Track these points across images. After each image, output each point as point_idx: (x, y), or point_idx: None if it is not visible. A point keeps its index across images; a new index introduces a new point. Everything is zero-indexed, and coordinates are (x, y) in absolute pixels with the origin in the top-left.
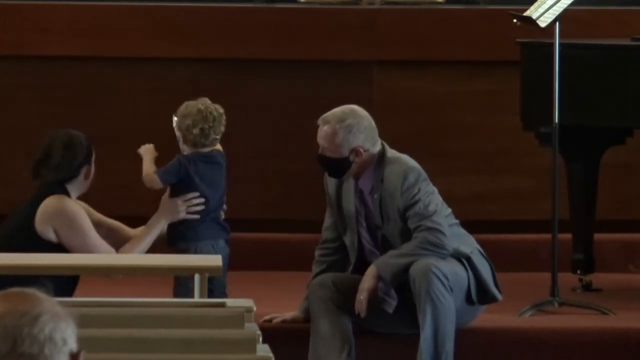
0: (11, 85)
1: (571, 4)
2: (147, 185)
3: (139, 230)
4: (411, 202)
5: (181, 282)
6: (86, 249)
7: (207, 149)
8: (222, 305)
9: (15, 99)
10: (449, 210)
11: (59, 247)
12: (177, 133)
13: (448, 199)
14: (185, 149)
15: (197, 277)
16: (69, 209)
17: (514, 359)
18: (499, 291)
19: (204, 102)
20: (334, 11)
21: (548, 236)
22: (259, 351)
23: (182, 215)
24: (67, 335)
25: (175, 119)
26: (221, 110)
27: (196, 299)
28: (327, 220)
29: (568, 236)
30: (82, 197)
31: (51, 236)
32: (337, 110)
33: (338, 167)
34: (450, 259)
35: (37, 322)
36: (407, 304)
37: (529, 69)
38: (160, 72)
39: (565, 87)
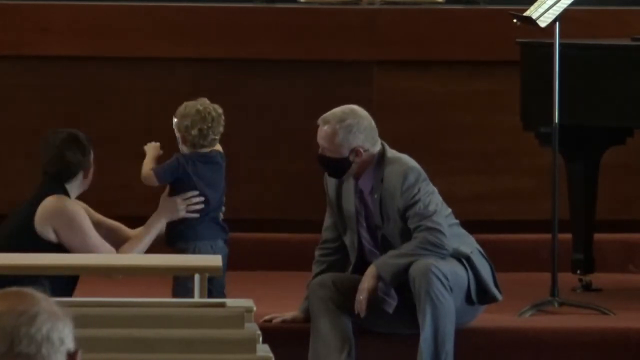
0: (11, 85)
1: (571, 4)
2: (143, 182)
3: (139, 230)
4: (411, 202)
5: (180, 282)
6: (86, 248)
7: (206, 150)
8: (222, 305)
9: (15, 99)
10: (449, 210)
11: (58, 247)
12: (177, 134)
13: (448, 199)
14: (185, 149)
15: (197, 277)
16: (69, 209)
17: (514, 359)
18: (499, 291)
19: (203, 103)
20: (334, 11)
21: (548, 236)
22: (259, 351)
23: (182, 214)
24: (65, 335)
25: (175, 119)
26: (220, 111)
27: (196, 299)
28: (327, 220)
29: (568, 236)
30: (82, 197)
31: (51, 236)
32: (337, 110)
33: (338, 167)
34: (450, 259)
35: (34, 322)
36: (407, 304)
37: (529, 69)
38: (160, 72)
39: (565, 87)
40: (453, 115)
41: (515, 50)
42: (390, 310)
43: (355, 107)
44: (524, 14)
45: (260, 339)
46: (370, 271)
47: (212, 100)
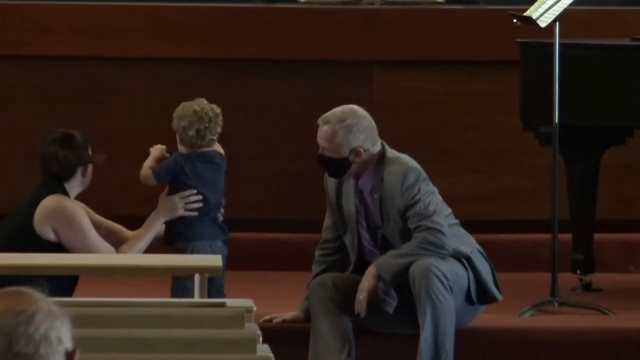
0: (11, 85)
1: (571, 4)
2: (142, 181)
3: (138, 231)
4: (411, 202)
5: (179, 282)
6: (86, 248)
7: (204, 149)
8: (222, 305)
9: (15, 99)
10: (449, 210)
11: (58, 247)
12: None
13: (448, 199)
14: (183, 150)
15: (197, 277)
16: (68, 208)
17: (514, 359)
18: (499, 291)
19: (200, 103)
20: (334, 11)
21: (548, 236)
22: (259, 351)
23: (180, 212)
24: (63, 334)
25: (173, 120)
26: (217, 111)
27: (196, 299)
28: (327, 220)
29: (568, 236)
30: (82, 197)
31: (50, 236)
32: (337, 110)
33: (338, 167)
34: (450, 259)
35: (32, 321)
36: (407, 304)
37: (529, 69)
38: (160, 72)
39: (565, 87)
40: (453, 115)
41: (515, 50)
42: (390, 310)
43: (355, 107)
44: (524, 14)
45: (260, 339)
46: (370, 271)
47: (213, 101)
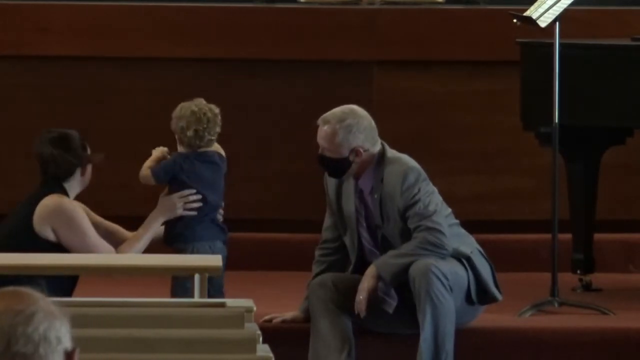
0: (11, 85)
1: (571, 4)
2: (141, 181)
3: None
4: (411, 202)
5: (179, 282)
6: (85, 247)
7: (203, 149)
8: (222, 305)
9: (15, 99)
10: (449, 210)
11: (57, 247)
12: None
13: (448, 199)
14: (182, 150)
15: (197, 277)
16: (68, 208)
17: (514, 359)
18: (499, 291)
19: (198, 104)
20: (334, 11)
21: (548, 236)
22: (259, 351)
23: (180, 212)
24: (62, 334)
25: (172, 120)
26: (216, 111)
27: (196, 299)
28: (327, 220)
29: (568, 236)
30: (82, 197)
31: (49, 235)
32: (337, 110)
33: (338, 167)
34: (450, 259)
35: (31, 321)
36: (407, 304)
37: (529, 69)
38: (160, 72)
39: (565, 87)
40: (453, 115)
41: (515, 50)
42: (390, 310)
43: (355, 107)
44: (524, 14)
45: (260, 339)
46: (370, 271)
47: (213, 101)
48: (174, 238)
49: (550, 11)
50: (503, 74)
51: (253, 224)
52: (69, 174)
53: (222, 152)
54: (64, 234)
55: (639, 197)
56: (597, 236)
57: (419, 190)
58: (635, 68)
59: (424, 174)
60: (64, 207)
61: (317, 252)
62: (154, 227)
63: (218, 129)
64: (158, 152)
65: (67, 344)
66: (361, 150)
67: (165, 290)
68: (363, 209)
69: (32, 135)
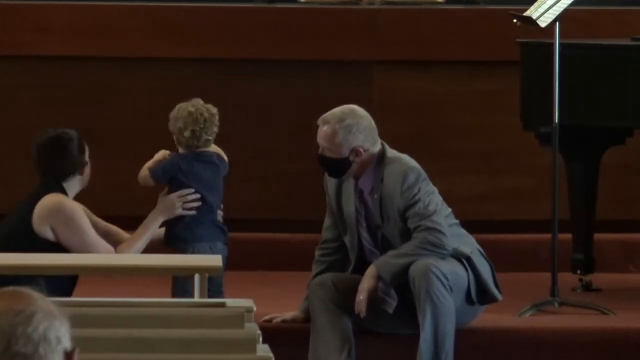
0: (11, 85)
1: (571, 4)
2: (140, 182)
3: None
4: (411, 202)
5: (179, 282)
6: (84, 247)
7: (201, 150)
8: (222, 305)
9: (15, 99)
10: (449, 210)
11: (57, 246)
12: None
13: (448, 199)
14: (181, 151)
15: (197, 277)
16: (67, 207)
17: (514, 359)
18: (499, 291)
19: (195, 104)
20: (334, 11)
21: (548, 236)
22: (259, 351)
23: (179, 212)
24: (61, 334)
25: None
26: (214, 111)
27: (196, 299)
28: (327, 220)
29: (568, 236)
30: (81, 197)
31: (49, 235)
32: (337, 110)
33: (338, 167)
34: (450, 259)
35: (31, 321)
36: (407, 304)
37: (529, 69)
38: (160, 72)
39: (565, 87)
40: (453, 115)
41: (515, 50)
42: (390, 310)
43: (355, 107)
44: (524, 14)
45: (260, 339)
46: (370, 271)
47: (213, 101)
48: (175, 239)
49: (550, 11)
50: (503, 74)
51: (253, 224)
52: (67, 174)
53: (223, 155)
54: (63, 233)
55: (639, 197)
56: (597, 236)
57: (419, 190)
58: (635, 68)
59: (424, 174)
60: (63, 206)
61: (317, 252)
62: (153, 227)
63: (216, 129)
64: (160, 155)
65: (66, 344)
66: (361, 150)
67: (166, 290)
68: (363, 209)
69: (32, 135)
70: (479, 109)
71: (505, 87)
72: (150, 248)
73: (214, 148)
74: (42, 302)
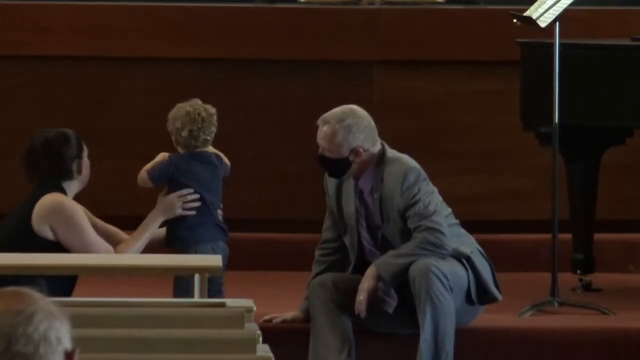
0: (11, 85)
1: (571, 4)
2: (139, 184)
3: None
4: (411, 202)
5: (180, 283)
6: (84, 246)
7: (199, 150)
8: (222, 305)
9: (15, 99)
10: (449, 210)
11: (56, 245)
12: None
13: (448, 199)
14: (179, 150)
15: (197, 277)
16: (66, 207)
17: (514, 359)
18: (499, 291)
19: (193, 104)
20: (334, 11)
21: (548, 236)
22: (259, 351)
23: (179, 212)
24: (62, 334)
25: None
26: (212, 111)
27: (196, 299)
28: (327, 220)
29: (568, 236)
30: (81, 197)
31: (48, 234)
32: (337, 110)
33: (338, 167)
34: (450, 259)
35: (31, 321)
36: (407, 304)
37: (529, 69)
38: (160, 72)
39: (565, 87)
40: (453, 115)
41: (515, 50)
42: (390, 310)
43: (354, 107)
44: (524, 14)
45: (260, 339)
46: (370, 271)
47: (213, 101)
48: (176, 240)
49: (550, 11)
50: (503, 74)
51: (253, 224)
52: (64, 173)
53: (224, 157)
54: (63, 232)
55: (639, 197)
56: (597, 236)
57: (419, 190)
58: (635, 68)
59: (424, 174)
60: (63, 206)
61: (317, 252)
62: (153, 227)
63: (214, 129)
64: (159, 157)
65: (67, 344)
66: (361, 150)
67: (166, 290)
68: (363, 209)
69: (33, 135)
70: (479, 109)
71: (505, 87)
72: (151, 248)
73: (211, 150)
74: (43, 302)
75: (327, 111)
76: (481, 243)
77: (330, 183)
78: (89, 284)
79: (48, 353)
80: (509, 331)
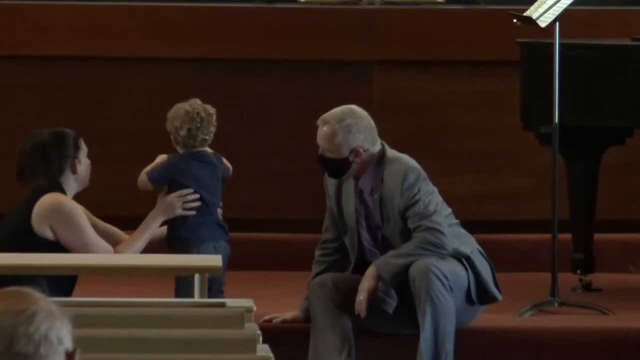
0: (11, 85)
1: (571, 4)
2: (139, 187)
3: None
4: (411, 202)
5: (181, 282)
6: (84, 246)
7: (198, 149)
8: (222, 305)
9: (15, 99)
10: (449, 210)
11: (56, 245)
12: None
13: (448, 199)
14: (178, 150)
15: (197, 277)
16: (66, 206)
17: (514, 359)
18: (499, 291)
19: (192, 104)
20: (334, 11)
21: (548, 236)
22: (259, 351)
23: (179, 212)
24: (63, 334)
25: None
26: (211, 111)
27: (196, 299)
28: (327, 221)
29: (568, 236)
30: (81, 197)
31: (48, 234)
32: (337, 110)
33: (338, 167)
34: (450, 259)
35: (32, 321)
36: (407, 304)
37: (529, 69)
38: (160, 72)
39: (565, 87)
40: (453, 115)
41: (515, 50)
42: (390, 310)
43: (354, 107)
44: (524, 14)
45: (260, 339)
46: (370, 271)
47: (213, 101)
48: (178, 241)
49: (550, 11)
50: (503, 74)
51: (253, 224)
52: (60, 173)
53: (224, 160)
54: (63, 232)
55: (639, 197)
56: (597, 236)
57: (419, 190)
58: (635, 68)
59: (424, 174)
60: (62, 205)
61: (317, 252)
62: (153, 227)
63: (213, 129)
64: (159, 159)
65: (68, 344)
66: (361, 151)
67: (166, 290)
68: (363, 209)
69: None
70: (479, 109)
71: (505, 87)
72: (152, 248)
73: (210, 151)
74: (44, 302)
75: (327, 111)
76: (481, 243)
77: (330, 183)
78: (89, 284)
79: (49, 353)
80: (509, 331)
